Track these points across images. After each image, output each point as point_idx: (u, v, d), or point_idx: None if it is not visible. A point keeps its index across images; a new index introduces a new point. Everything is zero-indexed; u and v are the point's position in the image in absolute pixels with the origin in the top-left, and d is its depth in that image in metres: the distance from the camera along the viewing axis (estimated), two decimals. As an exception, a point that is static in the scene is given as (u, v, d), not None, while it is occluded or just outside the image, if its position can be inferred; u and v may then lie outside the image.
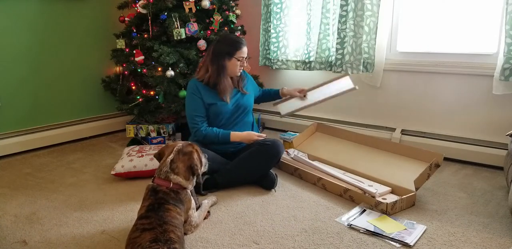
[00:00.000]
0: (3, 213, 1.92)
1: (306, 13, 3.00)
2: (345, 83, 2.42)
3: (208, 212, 1.88)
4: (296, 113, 2.61)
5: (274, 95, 2.60)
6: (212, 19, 2.84)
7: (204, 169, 1.82)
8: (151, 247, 1.31)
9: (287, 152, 2.55)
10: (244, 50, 2.25)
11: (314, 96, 2.49)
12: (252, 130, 2.40)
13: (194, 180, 1.74)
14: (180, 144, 1.75)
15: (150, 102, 2.83)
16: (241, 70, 2.31)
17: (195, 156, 1.72)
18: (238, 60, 2.23)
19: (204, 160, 1.81)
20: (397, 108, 2.86)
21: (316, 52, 2.94)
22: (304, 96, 2.50)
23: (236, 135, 2.23)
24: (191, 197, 1.71)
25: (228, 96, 2.27)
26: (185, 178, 1.67)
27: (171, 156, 1.68)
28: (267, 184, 2.18)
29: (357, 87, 2.38)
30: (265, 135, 2.30)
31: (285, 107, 2.58)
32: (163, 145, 2.62)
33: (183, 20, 2.70)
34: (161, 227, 1.41)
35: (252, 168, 2.18)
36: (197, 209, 1.78)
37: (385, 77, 2.84)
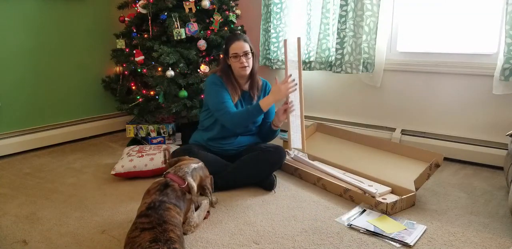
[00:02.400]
0: (3, 213, 1.92)
1: (306, 13, 3.00)
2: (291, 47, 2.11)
3: (208, 212, 1.88)
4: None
5: (267, 128, 2.31)
6: (212, 19, 2.84)
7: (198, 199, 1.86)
8: (151, 247, 1.30)
9: (287, 152, 2.55)
10: (236, 46, 2.12)
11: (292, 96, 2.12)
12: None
13: (198, 199, 1.80)
14: (201, 163, 1.84)
15: (150, 102, 2.83)
16: (244, 69, 2.17)
17: (210, 181, 1.81)
18: (234, 57, 2.14)
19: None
20: (397, 108, 2.86)
21: (316, 52, 2.94)
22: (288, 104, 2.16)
23: (265, 101, 2.05)
24: (192, 201, 1.72)
25: (234, 97, 2.23)
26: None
27: (194, 165, 1.76)
28: (266, 186, 2.19)
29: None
30: (292, 78, 2.08)
31: (294, 139, 2.14)
32: (163, 145, 2.64)
33: (183, 20, 2.70)
34: (160, 226, 1.41)
35: (253, 173, 2.18)
36: (196, 209, 1.79)
37: (385, 77, 2.84)
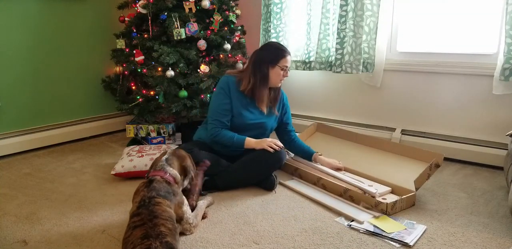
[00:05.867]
0: (3, 213, 1.92)
1: (306, 13, 3.00)
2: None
3: (205, 212, 1.88)
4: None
5: (304, 154, 2.42)
6: (212, 19, 2.84)
7: (186, 182, 1.84)
8: (143, 243, 1.29)
9: (287, 152, 2.55)
10: (289, 59, 2.21)
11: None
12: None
13: (185, 182, 1.81)
14: (170, 150, 1.88)
15: (150, 102, 2.83)
16: (282, 81, 2.25)
17: (189, 160, 1.87)
18: (282, 69, 2.19)
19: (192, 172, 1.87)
20: (397, 108, 2.86)
21: (316, 52, 2.94)
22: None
23: (249, 143, 2.18)
24: (182, 195, 1.72)
25: (264, 106, 2.25)
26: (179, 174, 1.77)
27: (166, 156, 1.80)
28: (267, 186, 2.18)
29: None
30: (280, 145, 2.18)
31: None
32: (163, 145, 2.64)
33: (183, 20, 2.70)
34: (151, 221, 1.40)
35: (253, 173, 2.18)
36: (192, 209, 1.78)
37: (385, 77, 2.84)
